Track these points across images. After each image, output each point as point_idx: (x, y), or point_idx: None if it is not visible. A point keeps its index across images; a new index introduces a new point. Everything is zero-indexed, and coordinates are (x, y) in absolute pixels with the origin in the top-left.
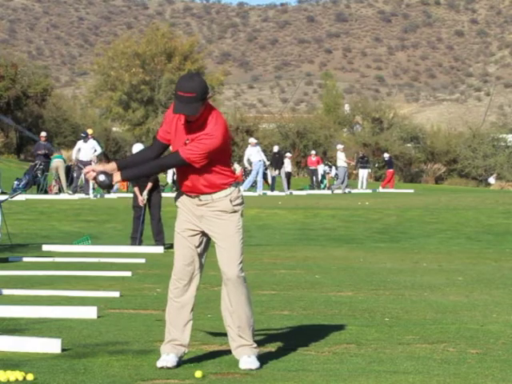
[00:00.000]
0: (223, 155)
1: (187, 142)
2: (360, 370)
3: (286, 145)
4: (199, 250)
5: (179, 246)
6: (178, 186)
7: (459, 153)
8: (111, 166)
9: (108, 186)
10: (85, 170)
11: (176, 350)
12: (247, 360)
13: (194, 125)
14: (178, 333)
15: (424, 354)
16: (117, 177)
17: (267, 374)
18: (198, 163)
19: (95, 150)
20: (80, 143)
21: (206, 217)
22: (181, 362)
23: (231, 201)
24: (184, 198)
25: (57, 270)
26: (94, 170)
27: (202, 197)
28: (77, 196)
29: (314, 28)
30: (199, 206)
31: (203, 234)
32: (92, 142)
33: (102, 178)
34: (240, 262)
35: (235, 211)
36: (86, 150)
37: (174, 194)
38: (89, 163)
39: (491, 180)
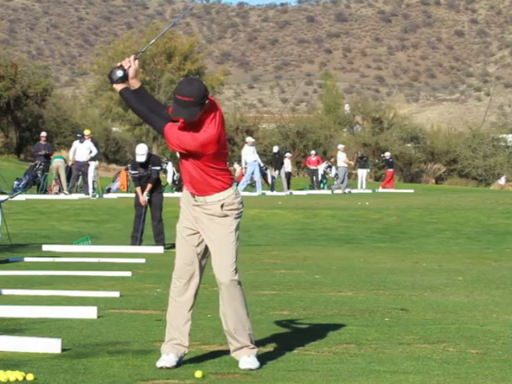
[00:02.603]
0: (214, 160)
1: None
2: (360, 369)
3: (286, 145)
4: (199, 249)
5: (179, 245)
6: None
7: (459, 153)
8: (135, 82)
9: (111, 80)
10: (132, 57)
11: (176, 349)
12: (247, 360)
13: (191, 123)
14: (176, 332)
15: (424, 353)
16: (119, 86)
17: (267, 374)
18: (171, 144)
19: (91, 151)
20: (76, 144)
21: (201, 218)
22: (181, 362)
23: (223, 206)
24: (185, 196)
25: (57, 270)
26: (131, 65)
27: (196, 197)
28: (77, 196)
29: (314, 28)
30: (194, 206)
31: (198, 235)
32: (88, 143)
33: (119, 73)
34: (232, 266)
35: (226, 215)
36: (82, 150)
37: (173, 194)
38: (86, 164)
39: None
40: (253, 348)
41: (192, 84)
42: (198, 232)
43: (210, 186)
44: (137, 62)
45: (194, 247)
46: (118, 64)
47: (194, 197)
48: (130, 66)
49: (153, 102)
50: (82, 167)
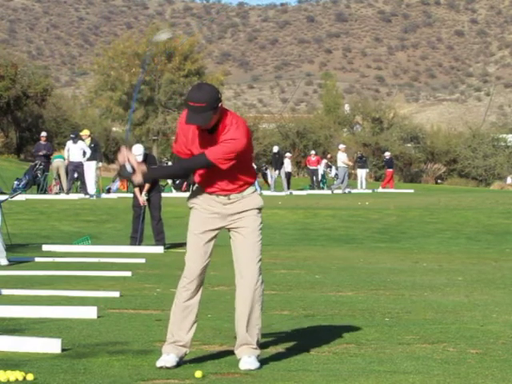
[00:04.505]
0: (247, 155)
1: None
2: (360, 369)
3: (285, 145)
4: (211, 249)
5: (194, 248)
6: (200, 187)
7: (459, 153)
8: (142, 167)
9: (125, 177)
10: (123, 151)
11: (177, 350)
12: (247, 360)
13: (214, 132)
14: (182, 334)
15: (424, 353)
16: (137, 177)
17: (267, 374)
18: (224, 165)
19: (84, 152)
20: (69, 144)
21: (235, 212)
22: (181, 363)
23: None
24: (203, 198)
25: (57, 270)
26: (129, 158)
27: (231, 196)
28: (77, 196)
29: (313, 28)
30: (227, 204)
31: (217, 233)
32: (81, 144)
33: (129, 168)
34: (259, 262)
35: (259, 209)
36: (75, 151)
37: (173, 194)
38: (80, 164)
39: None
40: (255, 349)
41: (203, 89)
42: (216, 232)
43: (246, 179)
44: (124, 150)
45: (210, 250)
46: (120, 162)
47: (226, 196)
48: (129, 158)
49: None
50: (78, 168)
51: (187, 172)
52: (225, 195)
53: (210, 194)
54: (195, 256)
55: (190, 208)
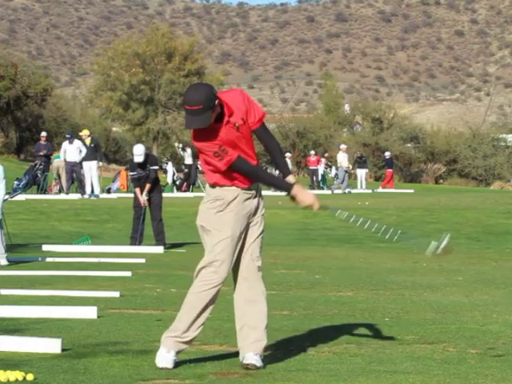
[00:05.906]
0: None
1: (237, 125)
2: (360, 369)
3: (286, 145)
4: None
5: (230, 255)
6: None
7: (459, 153)
8: (295, 187)
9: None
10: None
11: (178, 346)
12: (253, 357)
13: (220, 119)
14: (189, 331)
15: (424, 353)
16: (291, 178)
17: (267, 374)
18: (265, 113)
19: (80, 151)
20: (65, 144)
21: (259, 205)
22: (178, 361)
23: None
24: (239, 198)
25: (57, 270)
26: (315, 204)
27: (252, 187)
28: (77, 196)
29: (313, 28)
30: (252, 199)
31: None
32: (77, 143)
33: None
34: (261, 256)
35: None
36: (72, 151)
37: (174, 195)
38: (78, 164)
39: None
40: (263, 346)
41: (198, 90)
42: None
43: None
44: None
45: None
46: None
47: (250, 189)
48: (315, 204)
49: (252, 164)
50: (75, 167)
51: (278, 144)
52: (249, 188)
53: (243, 188)
54: (229, 263)
55: (220, 211)
